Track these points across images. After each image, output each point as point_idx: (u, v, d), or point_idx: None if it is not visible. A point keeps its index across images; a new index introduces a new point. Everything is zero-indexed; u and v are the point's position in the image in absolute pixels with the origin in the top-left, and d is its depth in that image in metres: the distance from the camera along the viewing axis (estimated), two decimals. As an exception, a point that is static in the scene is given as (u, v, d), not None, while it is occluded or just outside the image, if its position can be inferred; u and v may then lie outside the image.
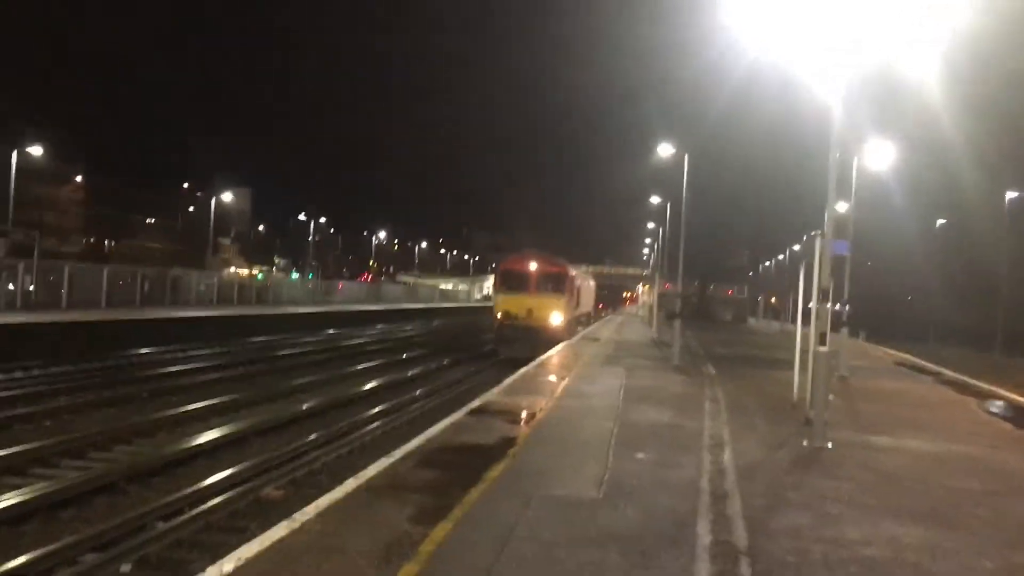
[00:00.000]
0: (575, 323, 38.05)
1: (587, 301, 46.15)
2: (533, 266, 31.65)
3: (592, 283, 52.85)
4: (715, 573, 6.12)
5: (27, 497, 9.54)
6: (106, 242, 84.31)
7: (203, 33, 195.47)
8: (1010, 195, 52.31)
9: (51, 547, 8.06)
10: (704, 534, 7.04)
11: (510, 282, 31.88)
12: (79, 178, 77.47)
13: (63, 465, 11.75)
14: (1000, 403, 19.06)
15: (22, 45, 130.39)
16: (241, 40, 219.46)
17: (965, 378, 25.41)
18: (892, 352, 38.19)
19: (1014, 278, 58.22)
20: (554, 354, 25.56)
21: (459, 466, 9.28)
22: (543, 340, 29.43)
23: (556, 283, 31.80)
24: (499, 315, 31.13)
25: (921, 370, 28.28)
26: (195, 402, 16.74)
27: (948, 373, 26.85)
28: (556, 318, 31.04)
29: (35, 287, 29.90)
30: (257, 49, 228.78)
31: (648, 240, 79.95)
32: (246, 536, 8.02)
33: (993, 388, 22.98)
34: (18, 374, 20.10)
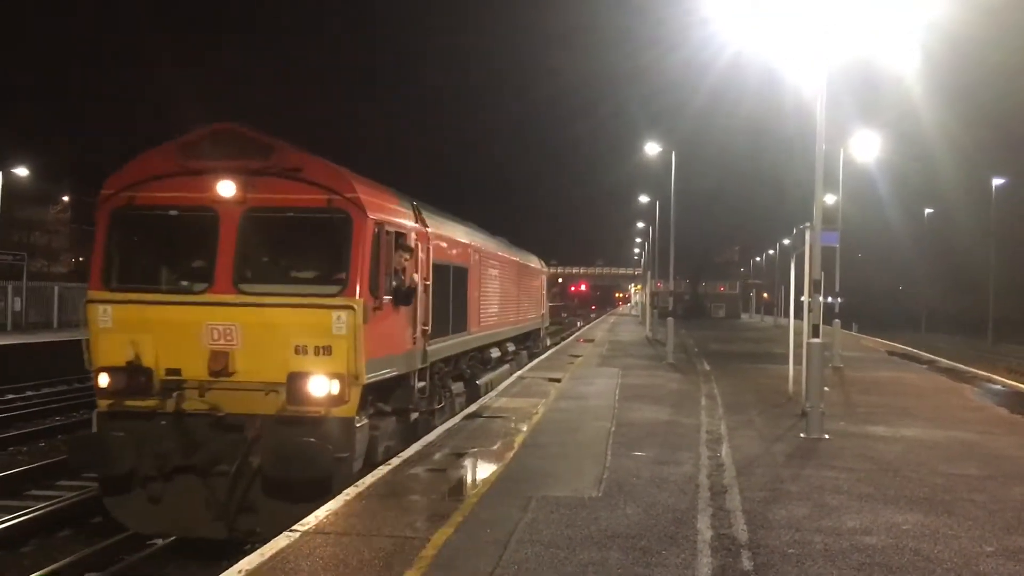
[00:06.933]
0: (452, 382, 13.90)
1: (521, 305, 20.94)
2: (230, 189, 8.59)
3: (544, 272, 27.22)
4: (716, 567, 6.13)
5: (24, 519, 9.50)
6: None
7: (187, 44, 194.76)
8: (997, 181, 52.61)
9: (51, 567, 8.03)
10: (704, 529, 7.05)
11: (142, 251, 9.41)
12: (66, 197, 77.34)
13: (59, 485, 11.71)
14: (994, 388, 19.14)
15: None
16: (228, 47, 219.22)
17: (958, 365, 25.52)
18: (884, 342, 38.33)
19: (1000, 264, 58.59)
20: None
21: (458, 470, 9.26)
22: (278, 472, 8.28)
23: (334, 247, 8.78)
24: (101, 379, 8.57)
25: (914, 359, 28.36)
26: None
27: (941, 361, 26.95)
28: (318, 387, 8.39)
29: (25, 308, 29.77)
30: (238, 54, 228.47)
31: (639, 240, 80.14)
32: (246, 550, 8.00)
33: (986, 374, 23.10)
34: (10, 395, 19.99)
